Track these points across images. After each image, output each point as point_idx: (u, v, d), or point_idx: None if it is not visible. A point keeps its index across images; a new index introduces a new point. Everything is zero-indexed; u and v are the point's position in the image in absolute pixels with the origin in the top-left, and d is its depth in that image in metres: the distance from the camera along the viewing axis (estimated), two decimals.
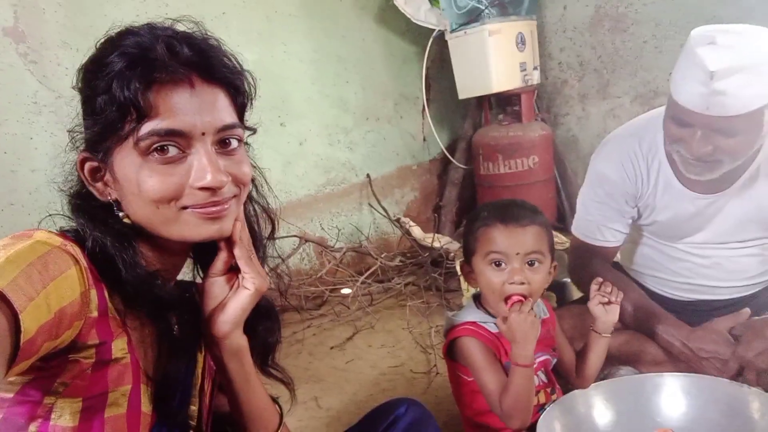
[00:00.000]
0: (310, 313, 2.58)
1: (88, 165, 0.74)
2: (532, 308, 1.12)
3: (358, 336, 2.33)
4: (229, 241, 0.80)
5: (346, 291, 2.74)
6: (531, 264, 1.18)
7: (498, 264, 1.18)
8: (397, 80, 3.41)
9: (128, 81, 0.68)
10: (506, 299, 1.15)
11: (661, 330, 1.45)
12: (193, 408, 0.82)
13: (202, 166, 0.72)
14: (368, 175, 3.25)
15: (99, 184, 0.75)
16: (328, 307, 2.65)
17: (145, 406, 0.74)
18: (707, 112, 1.21)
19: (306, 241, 2.81)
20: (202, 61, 0.73)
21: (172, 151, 0.71)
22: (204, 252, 0.85)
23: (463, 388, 1.28)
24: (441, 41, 3.25)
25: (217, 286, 0.81)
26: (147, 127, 0.69)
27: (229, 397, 0.85)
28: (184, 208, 0.73)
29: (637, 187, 1.51)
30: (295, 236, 2.78)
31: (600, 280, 1.27)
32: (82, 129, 0.74)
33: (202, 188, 0.72)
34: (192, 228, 0.74)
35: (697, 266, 1.54)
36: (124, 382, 0.71)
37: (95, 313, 0.67)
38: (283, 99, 2.86)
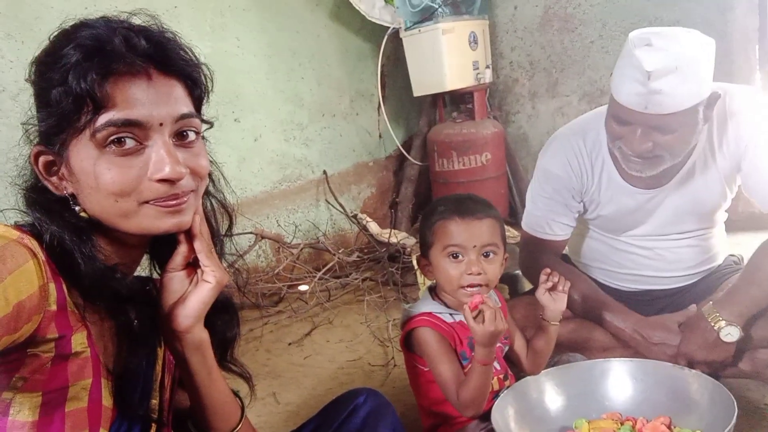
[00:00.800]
0: (267, 310, 2.58)
1: (42, 158, 0.73)
2: (497, 316, 1.13)
3: (316, 332, 2.34)
4: (189, 235, 0.81)
5: (303, 288, 2.74)
6: (486, 255, 1.22)
7: (455, 256, 1.22)
8: (353, 77, 3.42)
9: (85, 72, 0.67)
10: (471, 304, 1.16)
11: (611, 317, 1.52)
12: (154, 402, 0.82)
13: (160, 158, 0.72)
14: (325, 172, 3.26)
15: (54, 178, 0.74)
16: (285, 304, 2.64)
17: (106, 400, 0.74)
18: (646, 111, 1.28)
19: (262, 237, 2.79)
20: (159, 54, 0.73)
21: (130, 143, 0.71)
22: (160, 247, 0.85)
23: (420, 378, 1.31)
24: (396, 39, 3.29)
25: (176, 281, 0.81)
26: (104, 119, 0.69)
27: (191, 392, 0.85)
28: (145, 202, 0.73)
29: (582, 182, 1.58)
30: (251, 233, 2.76)
31: (548, 270, 1.32)
32: (36, 122, 0.73)
33: (160, 180, 0.72)
34: (151, 221, 0.74)
35: (640, 257, 1.62)
36: (84, 376, 0.71)
37: (54, 307, 0.67)
38: (236, 94, 2.83)
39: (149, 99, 0.71)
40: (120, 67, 0.69)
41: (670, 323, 1.49)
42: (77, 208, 0.74)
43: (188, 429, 0.91)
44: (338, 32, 3.33)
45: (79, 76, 0.68)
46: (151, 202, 0.73)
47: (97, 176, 0.70)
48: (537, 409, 1.34)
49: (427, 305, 1.28)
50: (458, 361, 1.23)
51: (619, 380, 1.37)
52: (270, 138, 3.01)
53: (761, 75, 2.81)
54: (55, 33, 0.72)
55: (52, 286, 0.67)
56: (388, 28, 3.23)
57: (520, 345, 1.38)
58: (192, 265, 0.83)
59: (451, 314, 1.27)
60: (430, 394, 1.30)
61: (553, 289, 1.30)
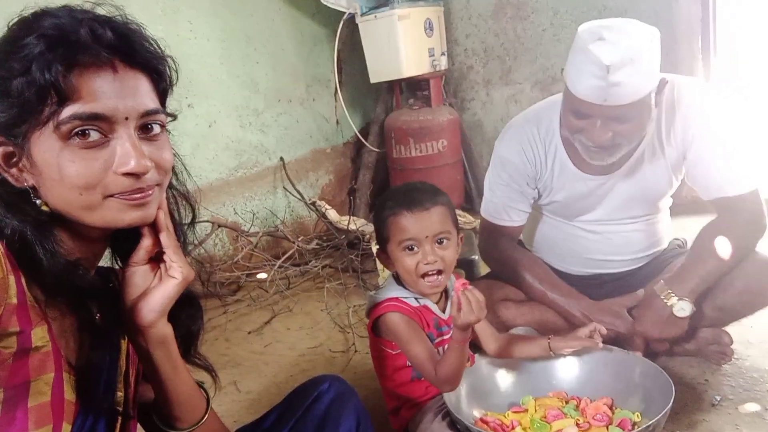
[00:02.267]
0: (225, 299, 2.55)
1: (1, 150, 0.71)
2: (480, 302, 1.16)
3: (275, 320, 2.34)
4: (153, 229, 0.80)
5: (262, 276, 2.72)
6: (440, 242, 1.26)
7: (411, 248, 1.25)
8: (309, 62, 3.39)
9: (49, 63, 0.66)
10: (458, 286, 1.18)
11: (563, 302, 1.59)
12: (120, 394, 0.82)
13: (125, 151, 0.71)
14: (282, 159, 3.23)
15: (14, 170, 0.71)
16: (244, 293, 2.63)
17: (68, 394, 0.73)
18: (605, 103, 1.34)
19: (219, 226, 2.76)
20: (125, 46, 0.72)
21: (94, 136, 0.70)
22: (122, 240, 0.84)
23: (387, 362, 1.34)
24: (352, 24, 3.27)
25: (139, 275, 0.81)
26: (68, 111, 0.67)
27: (155, 386, 0.85)
28: (109, 196, 0.72)
29: (536, 169, 1.63)
30: (207, 221, 2.72)
31: (597, 326, 1.38)
32: None
33: (125, 174, 0.71)
34: (115, 214, 0.73)
35: (590, 242, 1.69)
36: (46, 370, 0.70)
37: (14, 300, 0.65)
38: (189, 79, 2.76)
39: (115, 92, 0.70)
40: (85, 58, 0.68)
41: (618, 308, 1.56)
42: (38, 201, 0.72)
43: (153, 422, 0.90)
44: (293, 16, 3.28)
45: (43, 67, 0.66)
46: (116, 196, 0.72)
47: (60, 169, 0.69)
48: (487, 385, 1.41)
49: (393, 291, 1.31)
50: (429, 341, 1.27)
51: (566, 361, 1.44)
52: (225, 124, 2.96)
53: (703, 65, 2.94)
54: (15, 21, 0.70)
55: (12, 279, 0.65)
56: (344, 13, 3.21)
57: (481, 326, 1.42)
58: (154, 260, 0.82)
59: (416, 299, 1.30)
60: (395, 377, 1.34)
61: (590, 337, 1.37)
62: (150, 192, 0.75)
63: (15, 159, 0.71)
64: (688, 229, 1.63)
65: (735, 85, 3.02)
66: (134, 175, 0.72)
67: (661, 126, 1.52)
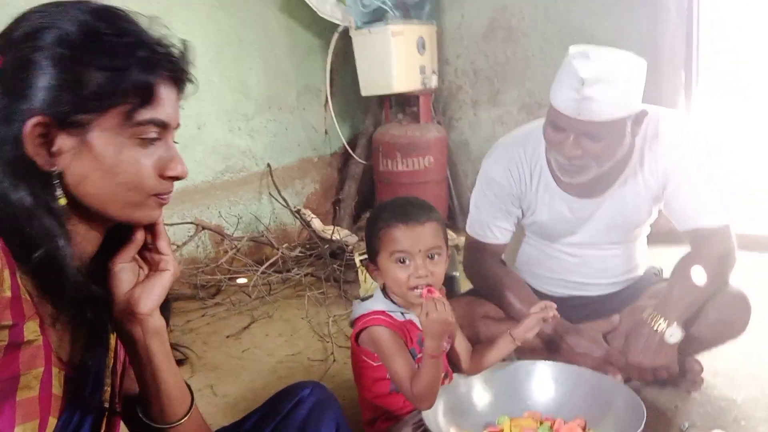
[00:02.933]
0: (204, 302, 2.54)
1: (37, 130, 0.70)
2: (445, 305, 1.19)
3: (255, 325, 2.33)
4: (146, 226, 0.83)
5: (242, 281, 2.72)
6: (431, 257, 1.28)
7: (402, 261, 1.27)
8: (301, 71, 3.42)
9: (151, 67, 0.73)
10: (425, 293, 1.22)
11: (545, 326, 1.60)
12: (107, 389, 0.82)
13: (174, 157, 0.79)
14: (269, 165, 3.23)
15: (44, 152, 0.72)
16: (224, 296, 2.62)
17: (56, 389, 0.73)
18: (579, 117, 1.39)
19: (202, 228, 2.75)
20: (185, 66, 0.80)
21: (152, 140, 0.76)
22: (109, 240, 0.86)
23: (366, 372, 1.35)
24: (345, 37, 3.31)
25: (127, 270, 0.83)
26: (147, 114, 0.74)
27: (146, 378, 0.85)
28: (153, 195, 0.78)
29: (521, 189, 1.67)
30: (190, 223, 2.71)
31: (552, 304, 1.41)
32: (41, 94, 0.70)
33: (172, 177, 0.78)
34: (148, 212, 0.79)
35: (569, 264, 1.73)
36: (36, 364, 0.70)
37: (8, 293, 0.66)
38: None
39: (173, 103, 0.79)
40: (171, 70, 0.77)
41: (594, 333, 1.60)
42: (58, 192, 0.72)
43: (134, 418, 0.91)
44: (288, 25, 3.31)
45: (148, 69, 0.73)
46: (157, 196, 0.79)
47: (120, 163, 0.73)
48: (464, 404, 1.42)
49: (380, 303, 1.33)
50: (411, 358, 1.28)
51: (542, 382, 1.46)
52: (214, 127, 2.96)
53: (685, 96, 3.03)
54: (86, 17, 0.72)
55: (6, 273, 0.66)
56: (339, 25, 3.24)
57: (460, 345, 1.44)
58: (136, 259, 0.85)
59: (402, 313, 1.31)
60: (374, 388, 1.35)
61: (545, 320, 1.39)
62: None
63: (46, 142, 0.71)
64: (664, 258, 1.68)
65: (716, 116, 3.12)
66: (175, 178, 0.79)
67: (644, 156, 1.57)
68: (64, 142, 0.72)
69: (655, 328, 1.47)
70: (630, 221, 1.65)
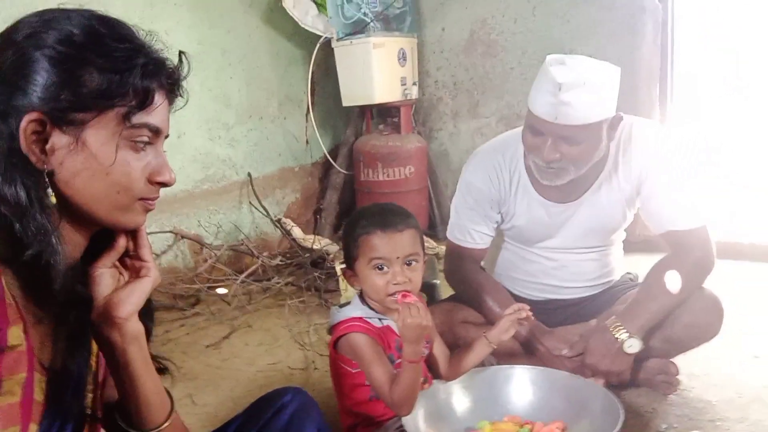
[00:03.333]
0: (183, 312, 2.51)
1: (32, 126, 0.70)
2: (420, 309, 1.19)
3: (234, 335, 2.31)
4: (127, 233, 0.83)
5: (221, 291, 2.70)
6: (409, 264, 1.29)
7: (380, 268, 1.27)
8: (283, 81, 3.42)
9: (151, 74, 0.75)
10: (400, 298, 1.23)
11: (521, 328, 1.63)
12: (89, 395, 0.81)
13: (163, 163, 0.80)
14: (249, 174, 3.23)
15: (37, 150, 0.71)
16: (203, 306, 2.59)
17: (37, 395, 0.72)
18: (556, 121, 1.43)
19: (181, 237, 2.72)
20: (180, 79, 0.82)
21: (144, 144, 0.77)
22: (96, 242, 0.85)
23: (346, 379, 1.35)
24: (327, 47, 3.33)
25: (107, 275, 0.82)
26: (143, 118, 0.75)
27: (125, 384, 0.84)
28: (141, 199, 0.78)
29: (500, 194, 1.70)
30: (169, 232, 2.69)
31: (526, 306, 1.42)
32: (39, 92, 0.71)
33: (160, 183, 0.80)
34: (134, 217, 0.80)
35: (547, 268, 1.76)
36: (18, 370, 0.69)
37: None
38: None
39: (165, 111, 0.80)
40: (169, 78, 0.79)
41: (571, 336, 1.62)
42: (49, 191, 0.72)
43: (115, 424, 0.89)
44: (270, 35, 3.32)
45: (146, 74, 0.74)
46: (144, 200, 0.79)
47: (113, 164, 0.74)
48: (444, 409, 1.42)
49: (357, 310, 1.32)
50: (390, 364, 1.28)
51: (521, 386, 1.47)
52: (194, 136, 2.95)
53: (660, 110, 3.11)
54: (90, 21, 0.74)
55: None
56: (321, 36, 3.27)
57: (439, 350, 1.45)
58: (116, 265, 0.84)
59: (380, 319, 1.32)
60: (353, 395, 1.35)
61: (520, 322, 1.41)
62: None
63: (43, 138, 0.71)
64: (640, 265, 1.71)
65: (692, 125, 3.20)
66: (162, 184, 0.80)
67: (618, 161, 1.61)
68: (58, 139, 0.72)
69: (615, 336, 1.50)
70: (605, 225, 1.69)
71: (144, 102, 0.75)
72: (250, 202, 3.23)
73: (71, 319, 0.77)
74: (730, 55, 3.20)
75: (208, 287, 2.70)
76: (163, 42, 0.82)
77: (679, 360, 1.68)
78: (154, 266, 0.84)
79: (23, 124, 0.69)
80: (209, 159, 3.03)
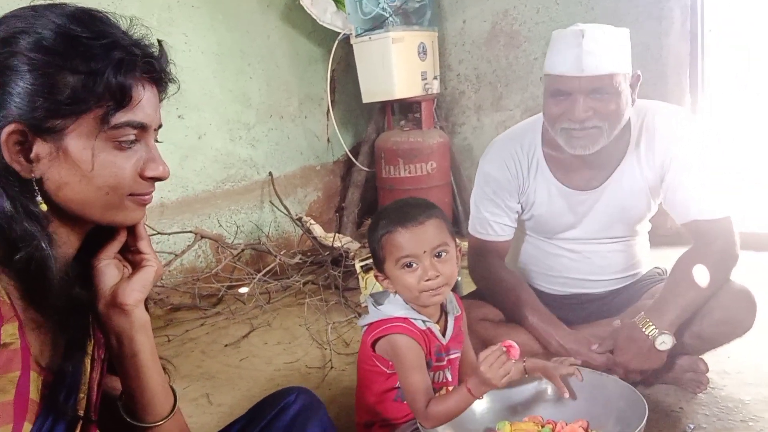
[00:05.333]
0: (204, 311, 2.53)
1: (13, 138, 0.70)
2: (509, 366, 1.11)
3: (254, 334, 2.31)
4: (131, 229, 0.85)
5: (243, 290, 2.70)
6: (438, 256, 1.21)
7: (409, 265, 1.21)
8: (302, 80, 3.42)
9: (125, 70, 0.72)
10: (506, 349, 1.13)
11: (542, 328, 1.58)
12: (81, 396, 0.80)
13: (155, 158, 0.78)
14: (270, 173, 3.23)
15: (22, 159, 0.71)
16: (224, 306, 2.60)
17: (34, 394, 0.71)
18: (583, 74, 1.39)
19: (202, 237, 2.74)
20: (164, 66, 0.79)
21: (131, 140, 0.76)
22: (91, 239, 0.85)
23: (377, 378, 1.29)
24: (346, 44, 3.31)
25: (112, 267, 0.83)
26: (123, 117, 0.73)
27: (130, 375, 0.84)
28: (130, 195, 0.77)
29: (518, 183, 1.65)
30: (190, 232, 2.70)
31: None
32: (16, 101, 0.70)
33: (152, 178, 0.78)
34: (129, 214, 0.79)
35: (569, 260, 1.69)
36: (12, 368, 0.68)
37: None
38: (181, 90, 2.73)
39: (151, 105, 0.78)
40: (148, 72, 0.76)
41: (592, 339, 1.55)
42: (38, 198, 0.72)
43: (115, 418, 0.89)
44: (289, 35, 3.32)
45: (117, 71, 0.72)
46: (135, 196, 0.78)
47: (97, 167, 0.73)
48: (465, 412, 1.38)
49: (400, 309, 1.25)
50: (427, 372, 1.23)
51: (542, 385, 1.41)
52: (215, 137, 2.96)
53: (691, 98, 2.99)
54: (62, 21, 0.72)
55: None
56: (339, 33, 3.25)
57: (468, 355, 1.39)
58: (119, 257, 0.85)
59: (423, 321, 1.25)
60: (381, 395, 1.30)
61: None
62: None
63: (23, 150, 0.71)
64: (671, 259, 1.62)
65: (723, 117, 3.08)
66: (156, 179, 0.79)
67: (640, 147, 1.54)
68: (41, 148, 0.71)
69: (646, 333, 1.44)
70: (629, 214, 1.62)
71: (122, 100, 0.73)
72: (271, 202, 3.23)
73: (71, 323, 0.77)
74: (742, 52, 3.06)
75: (229, 287, 2.70)
76: (147, 26, 0.79)
77: (709, 357, 1.60)
78: (155, 257, 0.86)
79: (3, 137, 0.69)
80: (230, 159, 3.05)
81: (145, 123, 0.76)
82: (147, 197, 0.80)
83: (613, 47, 1.40)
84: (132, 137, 0.75)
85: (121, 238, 0.84)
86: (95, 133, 0.72)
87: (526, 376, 1.35)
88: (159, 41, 0.81)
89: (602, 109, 1.41)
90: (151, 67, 0.76)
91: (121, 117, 0.73)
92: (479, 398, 1.15)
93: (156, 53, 0.78)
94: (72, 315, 0.78)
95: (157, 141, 0.84)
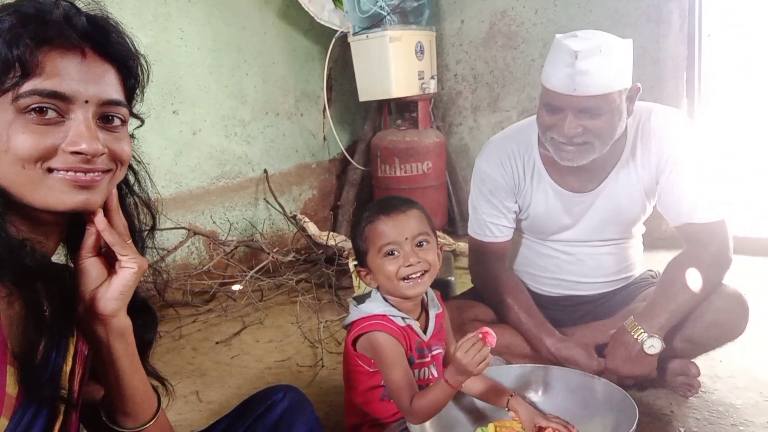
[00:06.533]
0: (196, 308, 2.51)
1: None
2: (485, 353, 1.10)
3: (245, 331, 2.30)
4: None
5: (236, 287, 2.69)
6: (420, 245, 1.23)
7: (391, 253, 1.22)
8: (299, 77, 3.41)
9: (17, 37, 0.67)
10: (482, 336, 1.12)
11: (534, 333, 1.58)
12: (63, 392, 0.78)
13: (79, 132, 0.71)
14: (265, 171, 3.22)
15: None
16: (216, 303, 2.59)
17: (11, 388, 0.70)
18: (574, 93, 1.36)
19: (195, 233, 2.72)
20: (98, 35, 0.73)
21: (51, 114, 0.70)
22: (76, 236, 0.82)
23: (360, 378, 1.29)
24: (343, 42, 3.30)
25: (95, 267, 0.79)
26: (29, 86, 0.68)
27: (110, 381, 0.82)
28: (51, 170, 0.71)
29: (515, 183, 1.64)
30: (183, 228, 2.69)
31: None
32: None
33: (74, 152, 0.71)
34: (57, 195, 0.72)
35: (563, 262, 1.69)
36: None
37: None
38: (177, 86, 2.76)
39: (79, 75, 0.71)
40: (55, 38, 0.69)
41: (583, 347, 1.53)
42: None
43: (99, 423, 0.87)
44: (286, 31, 3.31)
45: (11, 40, 0.67)
46: (61, 173, 0.71)
47: (8, 139, 0.68)
48: (452, 412, 1.37)
49: (380, 306, 1.26)
50: (410, 368, 1.23)
51: (532, 386, 1.42)
52: (210, 133, 2.95)
53: (687, 101, 2.99)
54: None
55: None
56: (337, 31, 3.24)
57: (451, 349, 1.38)
58: (105, 254, 0.81)
59: (402, 318, 1.25)
60: (366, 394, 1.30)
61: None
62: (97, 176, 0.74)
63: None
64: (665, 262, 1.61)
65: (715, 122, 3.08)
66: (83, 156, 0.71)
67: (636, 149, 1.53)
68: None
69: (636, 337, 1.43)
70: (624, 217, 1.61)
71: (26, 70, 0.68)
72: (265, 199, 3.21)
73: (38, 306, 0.74)
74: (746, 42, 3.06)
75: (221, 284, 2.69)
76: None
77: (701, 361, 1.59)
78: (134, 255, 0.80)
79: None
80: (225, 156, 3.03)
81: (59, 91, 0.69)
82: (77, 176, 0.72)
83: (611, 65, 1.35)
84: (51, 111, 0.69)
85: (91, 230, 0.79)
86: (10, 110, 0.69)
87: (507, 409, 1.33)
88: (103, 11, 0.76)
89: (593, 127, 1.40)
90: (70, 33, 0.70)
91: (28, 86, 0.68)
92: (458, 388, 1.14)
93: (88, 22, 0.73)
94: (46, 307, 0.75)
95: (132, 136, 0.80)
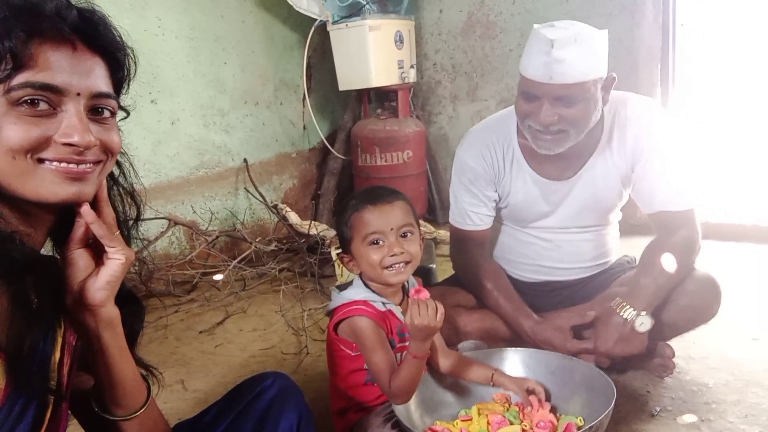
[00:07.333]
0: (178, 298, 2.50)
1: None
2: (429, 308, 1.14)
3: (229, 320, 2.30)
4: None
5: (218, 277, 2.68)
6: (404, 236, 1.26)
7: (376, 242, 1.25)
8: (278, 66, 3.39)
9: (10, 29, 0.67)
10: (413, 294, 1.18)
11: (513, 316, 1.62)
12: (52, 383, 0.79)
13: (71, 124, 0.71)
14: (245, 160, 3.20)
15: None
16: (198, 292, 2.58)
17: None
18: (551, 81, 1.39)
19: (176, 223, 2.71)
20: (89, 28, 0.74)
21: (43, 106, 0.70)
22: (65, 230, 0.82)
23: (343, 362, 1.32)
24: (323, 31, 3.29)
25: (83, 258, 0.80)
26: (22, 78, 0.68)
27: (100, 370, 0.83)
28: (42, 161, 0.71)
29: (495, 172, 1.67)
30: (163, 218, 2.67)
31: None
32: None
33: (66, 144, 0.71)
34: (48, 186, 0.72)
35: (542, 249, 1.72)
36: None
37: None
38: (154, 75, 2.73)
39: (71, 67, 0.72)
40: (47, 31, 0.70)
41: (561, 328, 1.57)
42: None
43: (89, 412, 0.88)
44: (264, 20, 3.28)
45: (4, 32, 0.67)
46: (53, 164, 0.72)
47: (3, 133, 0.69)
48: (437, 395, 1.41)
49: (361, 292, 1.29)
50: (392, 351, 1.25)
51: (513, 368, 1.45)
52: (188, 122, 2.92)
53: (661, 90, 3.05)
54: None
55: None
56: (316, 20, 3.22)
57: (436, 341, 1.41)
58: (93, 245, 0.82)
59: (383, 303, 1.28)
60: (349, 378, 1.32)
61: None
62: (89, 168, 0.75)
63: None
64: (640, 248, 1.66)
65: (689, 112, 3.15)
66: (75, 148, 0.72)
67: (613, 137, 1.57)
68: None
69: (625, 317, 1.47)
70: (601, 204, 1.65)
71: (19, 63, 0.68)
72: (246, 189, 3.20)
73: (25, 297, 0.74)
74: (713, 46, 3.14)
75: (203, 273, 2.68)
76: None
77: (676, 343, 1.65)
78: (121, 246, 0.81)
79: None
80: (204, 145, 3.01)
81: (51, 83, 0.70)
82: (69, 167, 0.73)
83: (586, 54, 1.38)
84: (43, 103, 0.70)
85: (80, 222, 0.79)
86: (2, 101, 0.69)
87: (491, 384, 1.38)
88: (91, 5, 0.77)
89: (569, 115, 1.43)
90: (61, 25, 0.71)
91: (20, 78, 0.68)
92: (425, 356, 1.17)
93: (78, 15, 0.73)
94: (34, 298, 0.75)
95: (124, 111, 0.81)
